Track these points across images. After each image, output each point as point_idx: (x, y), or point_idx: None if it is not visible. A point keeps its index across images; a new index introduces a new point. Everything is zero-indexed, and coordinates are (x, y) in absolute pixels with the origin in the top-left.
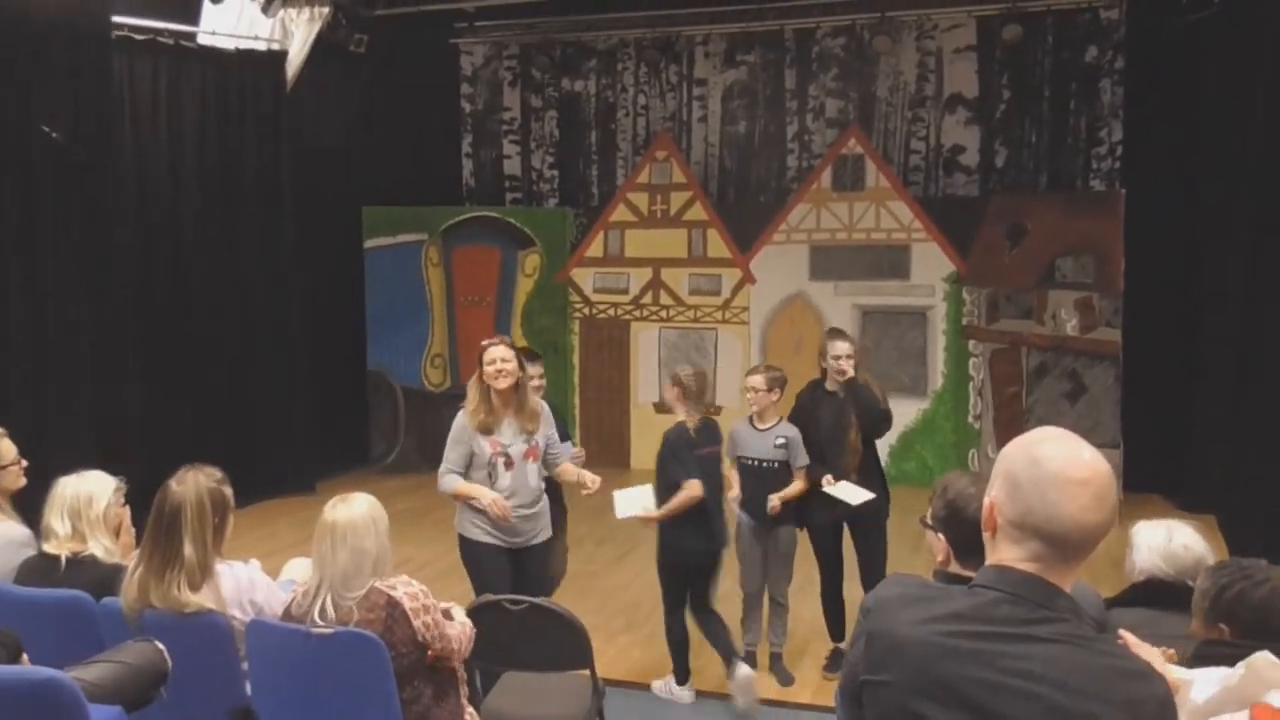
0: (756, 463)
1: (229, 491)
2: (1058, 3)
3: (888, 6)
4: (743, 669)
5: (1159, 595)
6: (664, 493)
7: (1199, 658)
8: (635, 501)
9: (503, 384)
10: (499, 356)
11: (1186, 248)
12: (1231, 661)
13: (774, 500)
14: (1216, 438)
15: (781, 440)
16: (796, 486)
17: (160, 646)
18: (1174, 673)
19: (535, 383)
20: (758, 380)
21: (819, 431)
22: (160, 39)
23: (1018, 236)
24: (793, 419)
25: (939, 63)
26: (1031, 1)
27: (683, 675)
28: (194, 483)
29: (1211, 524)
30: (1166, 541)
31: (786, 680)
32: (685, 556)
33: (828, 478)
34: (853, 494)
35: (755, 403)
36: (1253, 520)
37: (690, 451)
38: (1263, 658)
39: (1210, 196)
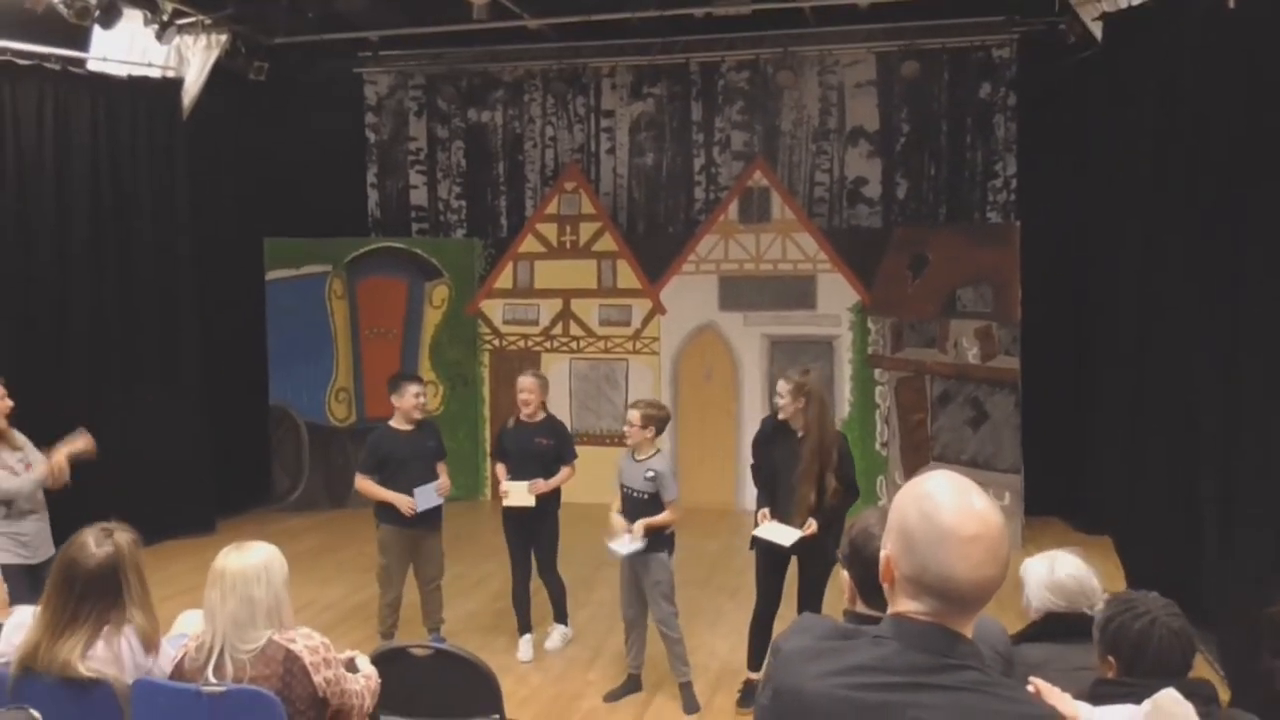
0: (631, 491)
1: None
2: (953, 41)
3: (790, 41)
4: (559, 631)
5: (1059, 628)
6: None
7: (1095, 697)
8: (521, 492)
9: None
10: None
11: (1078, 277)
12: (1123, 700)
13: (637, 526)
14: (1111, 461)
15: (651, 473)
16: (664, 516)
17: (36, 715)
18: (1082, 712)
19: (411, 402)
20: (634, 415)
21: (771, 466)
22: (46, 64)
23: (920, 267)
24: (753, 447)
25: (841, 97)
26: (928, 40)
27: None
28: (125, 543)
29: (1107, 545)
30: (1049, 574)
31: (692, 707)
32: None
33: (763, 513)
34: (781, 535)
35: (630, 436)
36: (1146, 540)
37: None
38: (1168, 695)
39: (1099, 228)
